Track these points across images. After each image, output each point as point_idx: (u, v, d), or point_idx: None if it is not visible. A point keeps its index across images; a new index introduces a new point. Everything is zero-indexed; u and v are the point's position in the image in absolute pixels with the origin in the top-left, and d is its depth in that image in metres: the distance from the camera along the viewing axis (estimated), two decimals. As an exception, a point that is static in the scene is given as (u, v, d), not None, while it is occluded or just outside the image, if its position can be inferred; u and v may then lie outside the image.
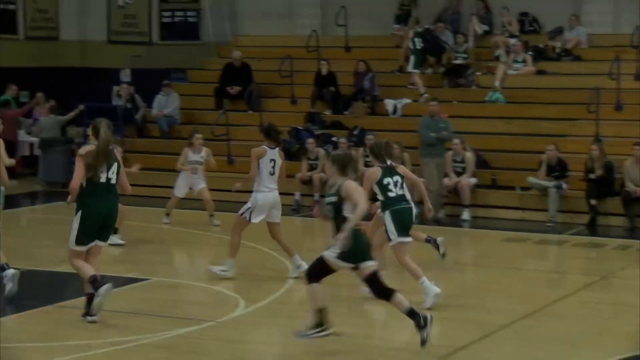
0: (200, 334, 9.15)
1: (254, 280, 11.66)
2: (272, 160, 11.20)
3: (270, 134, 11.26)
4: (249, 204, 11.24)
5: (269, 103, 20.16)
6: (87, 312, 9.35)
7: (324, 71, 19.44)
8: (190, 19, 23.16)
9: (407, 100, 19.05)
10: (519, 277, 12.13)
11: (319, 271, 8.73)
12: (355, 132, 18.28)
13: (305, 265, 10.81)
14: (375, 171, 10.17)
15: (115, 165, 9.37)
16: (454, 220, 15.84)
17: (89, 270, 9.30)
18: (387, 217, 10.09)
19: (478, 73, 19.41)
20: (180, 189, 15.26)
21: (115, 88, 20.81)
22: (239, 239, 11.33)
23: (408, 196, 10.23)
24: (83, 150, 9.39)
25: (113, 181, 9.37)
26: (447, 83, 19.35)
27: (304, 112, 19.21)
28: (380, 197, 10.16)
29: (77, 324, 9.46)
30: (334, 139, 18.05)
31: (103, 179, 9.26)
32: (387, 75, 19.78)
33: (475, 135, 17.48)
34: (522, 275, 12.25)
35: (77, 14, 23.87)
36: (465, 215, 16.08)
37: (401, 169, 10.44)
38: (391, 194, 10.08)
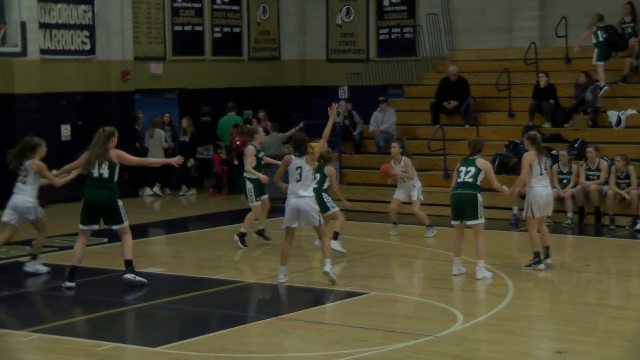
0: (417, 349, 9.13)
1: (473, 295, 11.54)
2: (299, 167, 11.64)
3: (295, 145, 11.82)
4: None
5: (485, 117, 19.94)
6: None
7: (543, 83, 19.01)
8: (407, 35, 23.32)
9: (632, 111, 18.31)
10: None
11: None
12: (576, 145, 17.76)
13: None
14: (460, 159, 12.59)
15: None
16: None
17: None
18: None
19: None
20: (398, 194, 15.45)
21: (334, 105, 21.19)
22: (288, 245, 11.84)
23: (471, 183, 12.07)
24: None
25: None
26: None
27: (522, 126, 18.86)
28: None
29: (298, 336, 9.69)
30: (553, 152, 17.59)
31: None
32: (610, 85, 19.10)
33: None
34: None
35: (297, 34, 24.59)
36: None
37: (481, 163, 12.19)
38: (458, 179, 12.24)
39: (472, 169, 12.16)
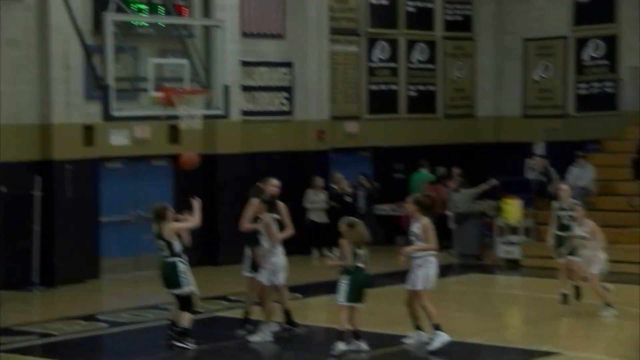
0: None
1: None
2: None
3: None
4: None
5: (691, 172, 19.08)
6: None
7: None
8: (608, 90, 22.73)
9: None
10: None
11: None
12: None
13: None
14: None
15: None
16: None
17: None
18: None
19: None
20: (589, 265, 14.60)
21: (529, 162, 20.90)
22: None
23: None
24: None
25: None
26: None
27: None
28: None
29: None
30: None
31: None
32: None
33: None
34: None
35: (493, 91, 24.44)
36: None
37: None
38: None
39: None
